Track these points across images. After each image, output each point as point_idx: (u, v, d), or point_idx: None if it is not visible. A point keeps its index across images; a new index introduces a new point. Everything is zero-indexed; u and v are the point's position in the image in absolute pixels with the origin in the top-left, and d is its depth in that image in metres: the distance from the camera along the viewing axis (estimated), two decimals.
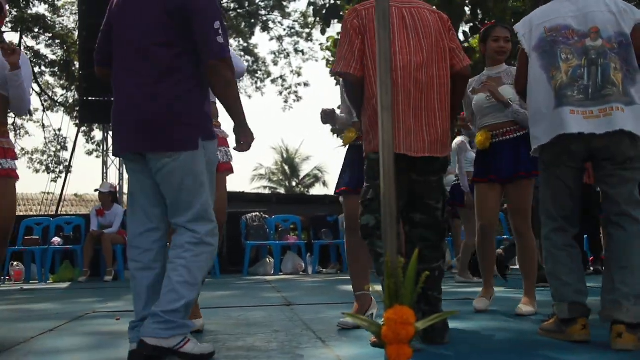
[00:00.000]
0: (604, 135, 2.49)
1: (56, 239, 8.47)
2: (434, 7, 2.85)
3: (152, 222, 2.41)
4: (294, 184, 32.51)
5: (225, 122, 2.91)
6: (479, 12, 15.96)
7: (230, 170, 3.38)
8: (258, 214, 9.05)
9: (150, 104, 2.30)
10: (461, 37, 16.60)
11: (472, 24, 16.24)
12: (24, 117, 17.66)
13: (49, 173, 18.52)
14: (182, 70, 2.34)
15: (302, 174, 32.43)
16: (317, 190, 30.12)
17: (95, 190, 8.46)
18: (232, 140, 2.78)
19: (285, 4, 19.42)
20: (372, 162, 2.64)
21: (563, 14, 2.68)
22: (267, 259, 8.91)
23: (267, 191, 30.53)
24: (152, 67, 2.31)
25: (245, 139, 2.53)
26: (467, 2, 15.75)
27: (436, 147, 2.63)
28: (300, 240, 9.17)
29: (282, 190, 31.87)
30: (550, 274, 2.66)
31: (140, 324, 2.32)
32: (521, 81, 2.82)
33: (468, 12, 16.57)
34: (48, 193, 16.23)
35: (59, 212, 13.86)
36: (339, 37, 2.82)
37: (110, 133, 2.57)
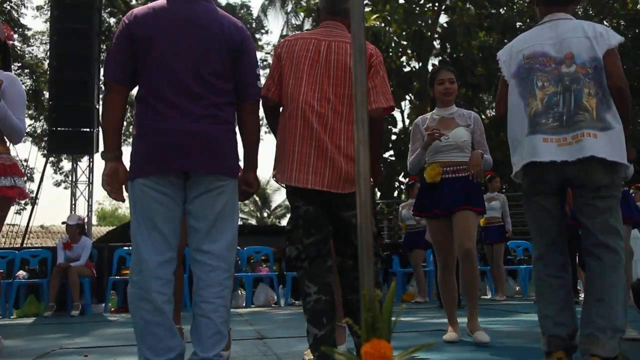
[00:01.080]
0: (575, 162, 2.46)
1: (21, 273, 8.23)
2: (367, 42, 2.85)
3: (173, 250, 2.34)
4: (265, 214, 32.37)
5: None
6: (447, 45, 16.31)
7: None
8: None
9: (215, 128, 2.35)
10: (430, 69, 16.86)
11: (441, 57, 16.59)
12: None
13: (13, 205, 18.11)
14: (233, 104, 2.46)
15: (273, 205, 32.34)
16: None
17: (63, 223, 8.29)
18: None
19: (258, 36, 19.62)
20: (287, 193, 2.69)
21: (542, 40, 2.68)
22: (239, 291, 8.79)
23: (238, 222, 30.28)
24: (218, 95, 2.38)
25: (257, 182, 2.60)
26: (436, 36, 16.13)
27: (338, 184, 2.58)
28: (272, 272, 9.09)
29: (253, 221, 31.69)
30: (537, 304, 2.64)
31: None
32: (501, 107, 2.80)
33: (437, 46, 16.92)
34: (13, 225, 15.84)
35: (24, 245, 13.52)
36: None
37: (136, 152, 2.38)
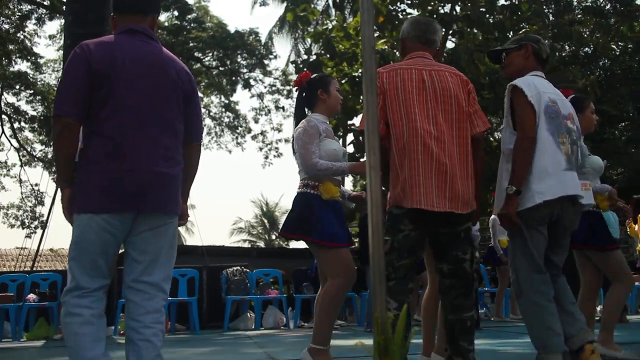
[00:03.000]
0: (579, 204, 2.97)
1: (31, 296, 8.27)
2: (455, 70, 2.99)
3: (106, 278, 2.42)
4: (273, 237, 32.36)
5: None
6: None
7: None
8: (239, 268, 8.97)
9: (173, 170, 2.45)
10: None
11: None
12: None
13: (23, 228, 18.23)
14: (182, 143, 2.54)
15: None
16: (296, 243, 29.98)
17: None
18: None
19: (266, 62, 19.82)
20: (393, 217, 2.76)
21: (552, 91, 3.01)
22: (248, 314, 8.79)
23: (246, 244, 30.30)
24: (175, 137, 2.48)
25: (188, 215, 2.72)
26: (442, 61, 16.24)
27: (457, 205, 2.71)
28: (281, 294, 9.09)
29: (261, 244, 31.67)
30: (540, 325, 2.76)
31: None
32: (533, 131, 2.88)
33: None
34: (23, 248, 15.92)
35: (34, 268, 13.57)
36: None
37: (87, 186, 2.36)
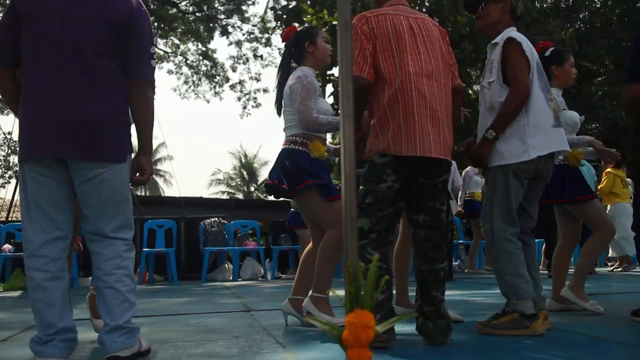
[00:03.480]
0: (553, 159, 3.08)
1: (7, 246, 8.21)
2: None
3: (61, 229, 2.31)
4: (252, 189, 32.38)
5: None
6: (435, 20, 16.17)
7: None
8: (217, 219, 8.98)
9: (91, 112, 2.26)
10: None
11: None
12: None
13: None
14: (118, 83, 2.34)
15: (260, 179, 32.32)
16: None
17: None
18: None
19: (244, 8, 19.37)
20: (376, 166, 2.72)
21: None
22: (226, 265, 8.85)
23: (225, 196, 30.29)
24: (95, 76, 2.28)
25: (150, 168, 2.49)
26: (424, 11, 16.02)
27: (447, 151, 2.72)
28: (259, 246, 9.15)
29: (240, 196, 31.68)
30: (513, 273, 2.86)
31: (54, 337, 2.25)
32: (528, 83, 2.89)
33: None
34: None
35: (9, 218, 13.44)
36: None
37: (20, 134, 2.31)
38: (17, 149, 2.31)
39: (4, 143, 18.24)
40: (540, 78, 2.96)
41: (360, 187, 2.74)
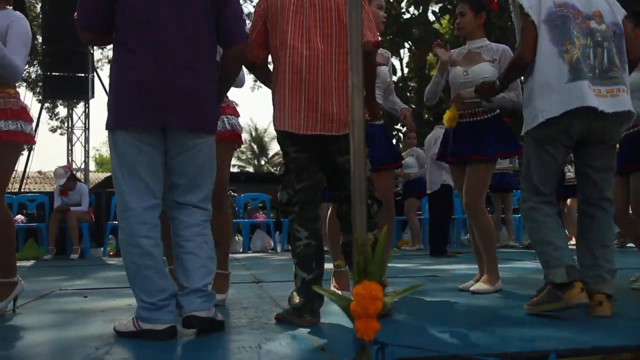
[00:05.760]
0: (607, 115, 2.59)
1: (19, 217, 8.31)
2: None
3: (157, 197, 2.37)
4: (262, 162, 32.43)
5: None
6: None
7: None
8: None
9: (198, 85, 2.34)
10: (431, 17, 16.57)
11: (441, 4, 16.24)
12: None
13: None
14: (214, 59, 2.45)
15: (270, 153, 32.34)
16: None
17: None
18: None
19: None
20: (279, 139, 2.68)
21: None
22: (236, 237, 8.91)
23: (235, 169, 30.38)
24: (200, 51, 2.36)
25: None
26: None
27: (331, 126, 2.58)
28: (269, 219, 9.19)
29: (250, 169, 31.77)
30: (542, 242, 2.68)
31: (169, 302, 2.31)
32: (530, 52, 2.72)
33: None
34: None
35: (21, 190, 13.58)
36: None
37: (114, 101, 2.33)
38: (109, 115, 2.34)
39: None
40: (552, 30, 2.67)
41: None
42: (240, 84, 3.35)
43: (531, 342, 2.15)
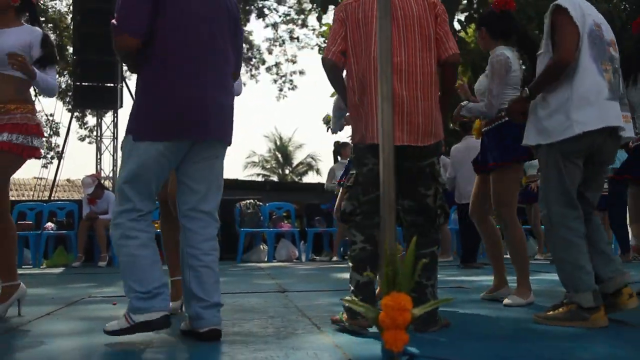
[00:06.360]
0: (620, 138, 2.77)
1: (49, 224, 8.45)
2: None
3: (154, 204, 2.50)
4: (287, 171, 32.52)
5: None
6: (474, 0, 15.88)
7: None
8: (252, 201, 9.05)
9: (230, 101, 2.52)
10: (456, 25, 16.49)
11: (467, 13, 16.17)
12: None
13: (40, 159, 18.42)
14: (230, 73, 2.59)
15: (295, 162, 32.43)
16: (309, 178, 30.16)
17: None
18: None
19: None
20: (358, 151, 2.72)
21: (595, 14, 2.79)
22: (261, 246, 8.93)
23: (260, 178, 30.51)
24: (227, 67, 2.53)
25: None
26: None
27: (416, 137, 2.61)
28: (294, 228, 9.19)
29: (275, 178, 31.86)
30: (573, 264, 2.67)
31: (163, 291, 2.39)
32: (573, 52, 2.67)
33: (464, 1, 16.49)
34: (40, 178, 16.18)
35: (52, 198, 13.83)
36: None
37: (147, 112, 2.38)
38: (130, 125, 2.40)
39: (46, 125, 18.70)
40: (592, 47, 2.68)
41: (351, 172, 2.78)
42: (235, 94, 3.46)
43: (568, 354, 2.11)
